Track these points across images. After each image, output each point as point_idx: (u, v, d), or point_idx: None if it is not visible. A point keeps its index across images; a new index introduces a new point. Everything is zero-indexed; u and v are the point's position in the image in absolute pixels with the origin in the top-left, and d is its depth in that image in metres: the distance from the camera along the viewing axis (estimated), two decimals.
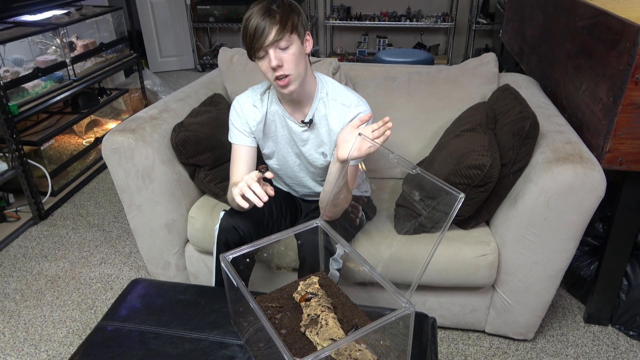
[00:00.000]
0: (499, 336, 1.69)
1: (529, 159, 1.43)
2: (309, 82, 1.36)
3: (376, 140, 1.16)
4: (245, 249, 1.11)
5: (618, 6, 1.56)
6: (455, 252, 1.48)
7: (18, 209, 2.47)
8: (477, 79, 1.86)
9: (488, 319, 1.64)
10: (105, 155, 1.62)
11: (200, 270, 1.78)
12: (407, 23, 4.55)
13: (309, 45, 1.31)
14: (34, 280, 2.04)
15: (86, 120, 3.01)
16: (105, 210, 2.54)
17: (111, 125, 3.25)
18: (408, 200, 1.56)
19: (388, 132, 1.18)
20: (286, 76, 1.25)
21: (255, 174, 1.20)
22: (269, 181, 1.61)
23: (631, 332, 1.68)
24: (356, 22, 4.65)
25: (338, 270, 1.41)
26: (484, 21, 4.39)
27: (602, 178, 1.31)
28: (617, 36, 1.34)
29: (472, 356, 1.62)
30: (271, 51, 1.22)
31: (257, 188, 1.17)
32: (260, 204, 1.17)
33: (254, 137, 1.46)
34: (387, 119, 1.19)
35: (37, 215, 2.43)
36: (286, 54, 1.24)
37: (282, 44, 1.22)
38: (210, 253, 1.71)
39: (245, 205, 1.19)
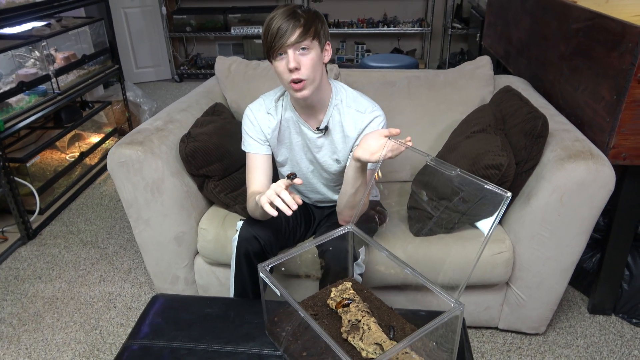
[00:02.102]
0: (512, 331, 1.73)
1: (539, 157, 1.48)
2: (324, 89, 1.37)
3: (408, 143, 1.17)
4: (283, 258, 1.10)
5: (601, 9, 1.63)
6: (471, 251, 1.51)
7: (4, 229, 2.36)
8: (474, 81, 1.91)
9: (501, 315, 1.67)
10: (112, 168, 1.57)
11: (211, 282, 1.75)
12: (385, 29, 4.63)
13: (327, 55, 1.32)
14: (30, 302, 1.95)
15: (69, 135, 2.91)
16: (97, 226, 2.46)
17: (94, 139, 3.15)
18: (420, 202, 1.58)
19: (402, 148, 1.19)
20: (301, 80, 1.25)
21: (284, 181, 1.19)
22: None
23: (634, 320, 1.75)
24: (334, 28, 4.69)
25: (360, 275, 1.42)
26: (459, 26, 4.51)
27: (612, 173, 1.36)
28: (618, 37, 1.40)
29: (488, 353, 1.65)
30: (290, 52, 1.23)
31: (287, 196, 1.16)
32: (289, 213, 1.16)
33: (269, 145, 1.45)
34: (408, 138, 1.20)
35: (25, 235, 2.33)
36: (305, 58, 1.24)
37: (303, 46, 1.23)
38: (222, 264, 1.68)
39: (275, 213, 1.18)
